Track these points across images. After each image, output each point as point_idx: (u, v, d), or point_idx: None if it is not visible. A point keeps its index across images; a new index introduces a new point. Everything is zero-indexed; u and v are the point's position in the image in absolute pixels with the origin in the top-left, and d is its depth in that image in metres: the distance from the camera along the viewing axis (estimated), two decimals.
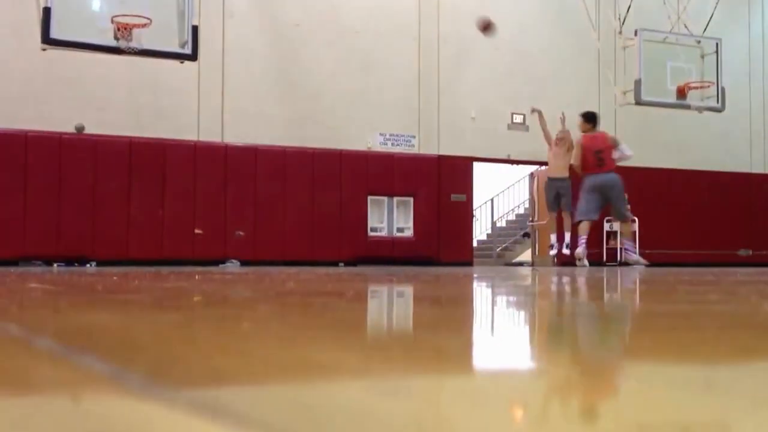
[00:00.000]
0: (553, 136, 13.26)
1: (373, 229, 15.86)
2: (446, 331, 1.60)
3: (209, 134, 15.01)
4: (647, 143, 16.89)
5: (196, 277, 5.22)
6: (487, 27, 13.20)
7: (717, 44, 16.01)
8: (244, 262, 14.15)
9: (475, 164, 17.17)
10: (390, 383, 0.92)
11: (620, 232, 14.17)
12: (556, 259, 14.32)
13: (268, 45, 15.68)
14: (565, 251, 13.17)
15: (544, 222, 18.07)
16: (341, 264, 14.37)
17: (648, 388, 0.93)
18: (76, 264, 13.12)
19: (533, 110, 13.65)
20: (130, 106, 14.56)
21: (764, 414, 0.74)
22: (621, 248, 14.43)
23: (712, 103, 15.99)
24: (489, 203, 22.06)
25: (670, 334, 1.62)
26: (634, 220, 13.97)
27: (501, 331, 1.80)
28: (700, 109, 16.07)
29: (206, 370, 0.99)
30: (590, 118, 13.14)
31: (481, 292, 3.64)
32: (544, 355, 1.31)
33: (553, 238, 13.77)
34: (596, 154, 12.76)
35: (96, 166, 13.99)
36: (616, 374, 1.06)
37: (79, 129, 14.09)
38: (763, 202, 19.14)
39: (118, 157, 14.14)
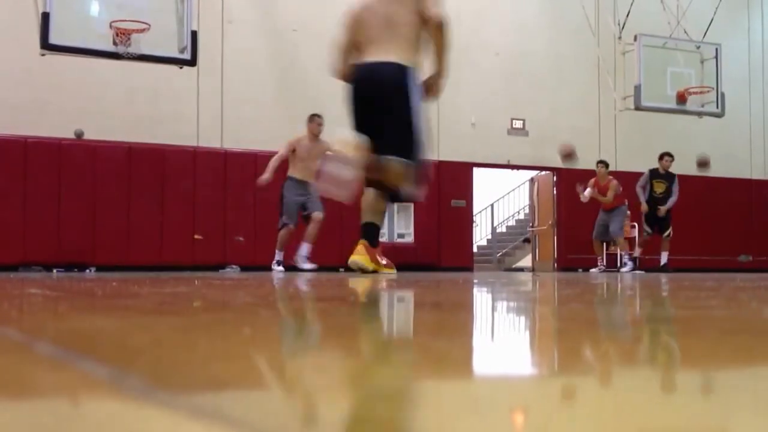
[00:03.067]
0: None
1: None
2: (447, 336, 1.59)
3: (208, 140, 15.01)
4: (646, 149, 16.88)
5: (196, 282, 5.22)
6: (568, 155, 13.78)
7: (717, 49, 16.04)
8: (244, 268, 14.14)
9: (475, 170, 17.17)
10: (391, 389, 0.92)
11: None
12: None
13: (268, 50, 15.69)
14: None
15: (545, 227, 18.09)
16: (341, 270, 14.35)
17: (647, 393, 0.93)
18: (75, 270, 13.11)
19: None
20: (129, 111, 14.56)
21: (764, 421, 0.73)
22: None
23: (712, 108, 16.01)
24: (489, 209, 22.07)
25: (671, 338, 1.62)
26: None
27: (500, 337, 1.80)
28: (699, 115, 16.10)
29: (206, 375, 0.99)
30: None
31: (480, 297, 3.64)
32: (542, 361, 1.31)
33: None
34: None
35: (95, 172, 13.99)
36: (616, 379, 1.06)
37: (79, 135, 14.09)
38: (763, 207, 19.15)
39: (117, 163, 14.14)
